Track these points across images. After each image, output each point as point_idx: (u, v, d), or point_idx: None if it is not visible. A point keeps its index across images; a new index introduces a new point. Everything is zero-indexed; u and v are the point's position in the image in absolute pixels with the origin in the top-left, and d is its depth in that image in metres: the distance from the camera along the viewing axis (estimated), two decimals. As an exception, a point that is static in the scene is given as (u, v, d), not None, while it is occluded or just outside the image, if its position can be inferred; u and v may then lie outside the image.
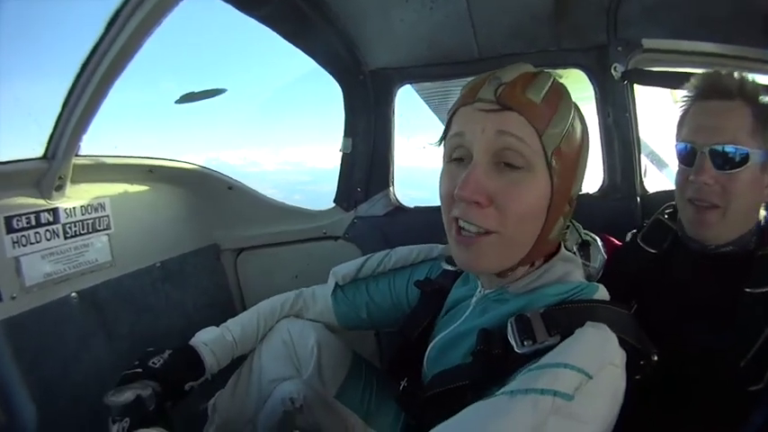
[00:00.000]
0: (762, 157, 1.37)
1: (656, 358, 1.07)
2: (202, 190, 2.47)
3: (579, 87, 2.22)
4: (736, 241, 1.44)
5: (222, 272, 2.62)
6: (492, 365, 1.07)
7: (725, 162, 1.36)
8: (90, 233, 1.84)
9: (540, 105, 1.06)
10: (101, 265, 1.88)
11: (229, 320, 1.78)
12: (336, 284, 1.80)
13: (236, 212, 2.59)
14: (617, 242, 1.62)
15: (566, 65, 2.28)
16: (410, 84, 2.61)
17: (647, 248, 1.60)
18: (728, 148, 1.36)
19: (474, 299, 1.30)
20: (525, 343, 1.01)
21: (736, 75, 1.42)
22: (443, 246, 1.69)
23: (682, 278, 1.51)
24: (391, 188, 2.58)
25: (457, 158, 1.12)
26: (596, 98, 2.30)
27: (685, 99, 1.51)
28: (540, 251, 1.18)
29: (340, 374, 1.72)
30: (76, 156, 1.71)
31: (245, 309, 1.87)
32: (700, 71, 1.57)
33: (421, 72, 2.48)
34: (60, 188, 1.71)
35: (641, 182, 2.28)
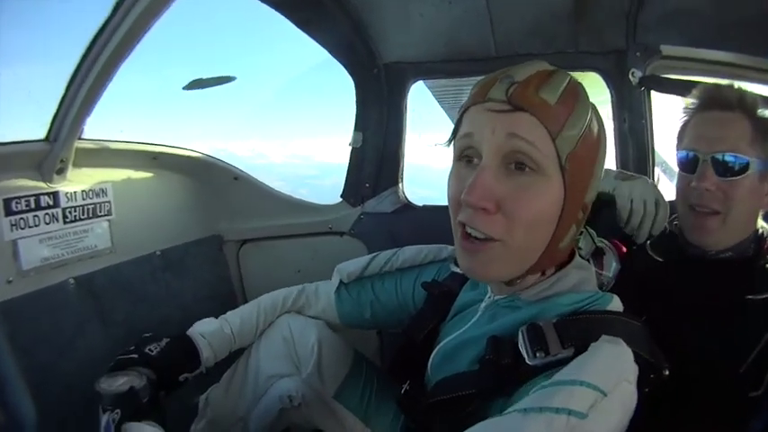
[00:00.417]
0: (761, 166, 1.42)
1: (667, 373, 1.04)
2: (207, 179, 2.44)
3: (594, 92, 2.19)
4: (734, 248, 1.47)
5: (224, 263, 2.59)
6: (501, 376, 1.03)
7: (726, 169, 1.41)
8: (90, 218, 1.81)
9: (555, 106, 1.01)
10: (100, 252, 1.85)
11: (229, 312, 1.76)
12: (341, 282, 1.77)
13: (240, 203, 2.56)
14: (624, 248, 1.60)
15: (583, 67, 2.25)
16: (424, 80, 2.59)
17: (654, 256, 1.61)
18: (729, 157, 1.41)
19: (483, 304, 1.26)
20: (538, 354, 0.98)
21: (736, 87, 1.49)
22: (452, 247, 1.66)
23: (681, 284, 1.51)
24: (400, 185, 2.55)
25: (466, 158, 1.07)
26: (613, 103, 2.27)
27: (686, 110, 1.57)
28: (551, 259, 1.13)
29: (340, 374, 1.70)
30: (79, 139, 1.68)
31: (245, 302, 1.85)
32: (716, 81, 1.61)
33: (436, 68, 2.45)
34: (62, 171, 1.68)
35: (654, 189, 2.24)
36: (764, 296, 1.38)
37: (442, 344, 1.32)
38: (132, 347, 1.47)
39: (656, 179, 2.26)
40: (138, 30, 1.44)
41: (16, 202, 1.56)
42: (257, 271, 2.66)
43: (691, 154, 1.46)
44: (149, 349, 1.47)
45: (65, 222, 1.71)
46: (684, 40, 2.05)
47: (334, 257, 1.87)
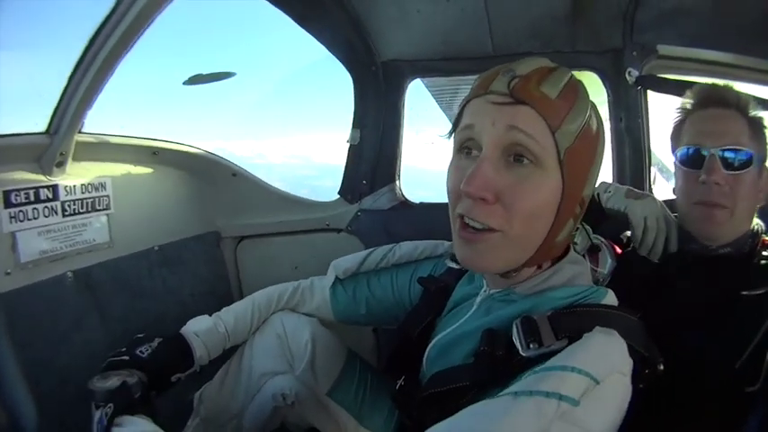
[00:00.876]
0: (758, 161, 1.45)
1: (662, 368, 1.05)
2: (206, 175, 2.44)
3: (592, 91, 2.20)
4: (734, 243, 1.48)
5: (221, 259, 2.59)
6: (495, 367, 1.04)
7: (732, 163, 1.42)
8: (89, 212, 1.81)
9: (555, 101, 1.02)
10: (98, 246, 1.85)
11: (223, 310, 1.76)
12: (336, 278, 1.77)
13: (238, 200, 2.56)
14: (619, 249, 1.61)
15: (580, 67, 2.26)
16: (421, 78, 2.59)
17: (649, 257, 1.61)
18: (736, 150, 1.42)
19: (478, 298, 1.27)
20: (531, 346, 0.98)
21: (731, 87, 1.52)
22: (449, 243, 1.67)
23: (678, 280, 1.52)
24: (397, 182, 2.56)
25: (466, 150, 1.08)
26: (609, 102, 2.28)
27: (681, 110, 1.58)
28: (548, 253, 1.14)
29: (334, 371, 1.70)
30: (80, 132, 1.68)
31: (242, 297, 1.85)
32: (713, 81, 1.63)
33: (433, 66, 2.45)
34: (61, 165, 1.68)
35: (650, 189, 2.26)
36: (760, 292, 1.38)
37: (437, 338, 1.32)
38: (124, 349, 1.48)
39: (652, 178, 2.28)
40: (141, 23, 1.44)
41: (16, 195, 1.56)
42: (254, 267, 2.66)
43: (695, 149, 1.46)
44: (140, 351, 1.47)
45: (64, 216, 1.71)
46: (681, 39, 2.05)
47: (332, 254, 1.88)
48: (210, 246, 2.51)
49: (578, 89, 1.08)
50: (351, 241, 2.55)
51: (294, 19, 2.09)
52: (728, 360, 1.34)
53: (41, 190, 1.64)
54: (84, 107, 1.58)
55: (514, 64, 1.06)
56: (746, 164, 1.42)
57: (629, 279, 1.49)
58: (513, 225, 1.02)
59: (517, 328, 1.03)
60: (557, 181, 1.03)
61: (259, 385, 1.69)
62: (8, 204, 1.54)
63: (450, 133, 1.16)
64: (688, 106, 1.55)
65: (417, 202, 2.58)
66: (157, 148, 2.12)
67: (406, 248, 1.75)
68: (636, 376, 0.96)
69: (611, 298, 1.11)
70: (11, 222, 1.55)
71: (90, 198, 1.81)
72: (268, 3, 1.94)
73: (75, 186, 1.75)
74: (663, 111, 2.13)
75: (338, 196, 2.62)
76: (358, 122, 2.53)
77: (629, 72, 2.16)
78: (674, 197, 1.61)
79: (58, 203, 1.69)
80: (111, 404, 1.23)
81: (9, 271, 1.55)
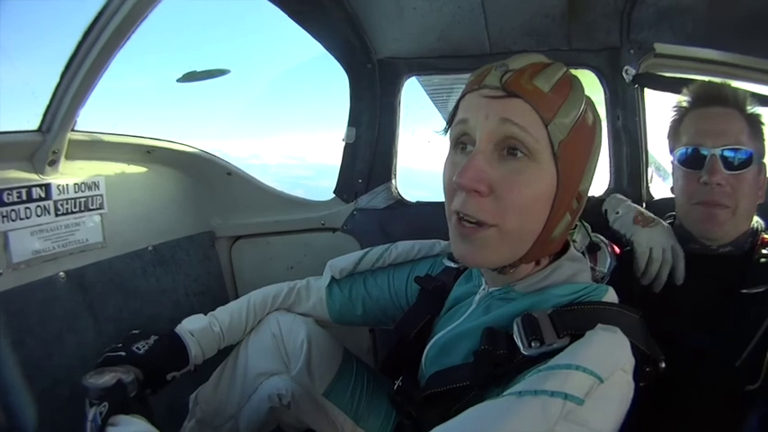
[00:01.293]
0: (758, 158, 1.47)
1: (663, 365, 1.05)
2: (200, 174, 2.43)
3: (589, 90, 2.20)
4: (734, 242, 1.49)
5: (216, 259, 2.58)
6: (496, 367, 1.03)
7: (733, 163, 1.43)
8: (82, 212, 1.79)
9: (548, 94, 1.02)
10: (91, 246, 1.83)
11: (218, 309, 1.75)
12: (332, 278, 1.77)
13: (233, 199, 2.55)
14: (618, 249, 1.61)
15: (576, 65, 2.26)
16: (417, 76, 2.59)
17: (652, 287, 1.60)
18: (737, 150, 1.43)
19: (477, 296, 1.27)
20: (533, 344, 0.98)
21: (729, 85, 1.54)
22: (446, 242, 1.67)
23: (678, 281, 1.52)
24: (393, 181, 2.55)
25: (461, 144, 1.08)
26: (606, 100, 2.29)
27: (678, 108, 1.59)
28: (545, 249, 1.14)
29: (330, 372, 1.70)
30: (72, 130, 1.66)
31: (237, 298, 1.84)
32: (709, 79, 1.64)
33: (429, 64, 2.45)
34: (54, 163, 1.66)
35: (647, 187, 2.27)
36: (759, 290, 1.39)
37: (436, 338, 1.32)
38: (120, 345, 1.48)
39: (649, 178, 2.28)
40: (134, 19, 1.43)
41: (8, 194, 1.53)
42: (250, 267, 2.65)
43: (696, 150, 1.46)
44: (137, 347, 1.47)
45: (56, 215, 1.69)
46: (678, 38, 2.05)
47: (327, 253, 1.88)
48: (205, 245, 2.49)
49: (573, 83, 1.08)
50: (346, 241, 2.54)
51: (290, 16, 2.09)
52: (729, 358, 1.35)
53: (34, 189, 1.61)
54: (77, 104, 1.56)
55: (509, 59, 1.07)
56: (747, 163, 1.42)
57: (629, 279, 1.49)
58: (507, 219, 1.02)
59: (518, 326, 1.03)
60: (551, 174, 1.04)
61: (255, 386, 1.68)
62: (0, 203, 1.52)
63: (446, 129, 1.16)
64: (685, 104, 1.56)
65: (414, 200, 2.57)
66: (152, 146, 2.11)
67: (402, 248, 1.74)
68: (637, 374, 0.95)
69: (611, 295, 1.11)
70: (2, 222, 1.53)
71: (83, 197, 1.79)
72: (266, 1, 1.94)
73: (68, 185, 1.73)
74: (660, 109, 2.14)
75: (334, 195, 2.61)
76: (354, 121, 2.52)
77: (626, 70, 2.17)
78: (671, 196, 1.61)
79: (50, 203, 1.67)
80: (105, 403, 1.22)
81: (1, 271, 1.53)
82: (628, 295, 1.16)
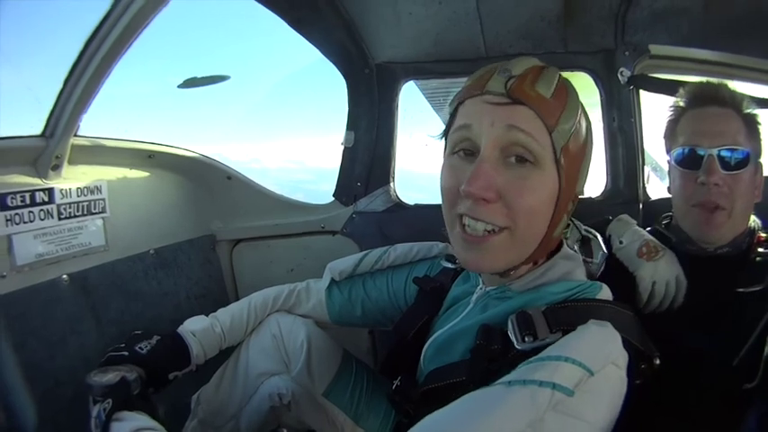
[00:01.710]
0: (754, 158, 1.48)
1: (658, 362, 1.06)
2: (201, 179, 2.44)
3: (585, 93, 2.21)
4: (732, 242, 1.49)
5: (217, 263, 2.59)
6: (491, 361, 1.05)
7: (730, 163, 1.43)
8: (85, 215, 1.81)
9: (550, 101, 1.04)
10: (94, 249, 1.85)
11: (220, 310, 1.77)
12: (332, 280, 1.78)
13: (234, 203, 2.56)
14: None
15: (572, 67, 2.28)
16: (415, 80, 2.60)
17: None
18: (734, 150, 1.43)
19: (474, 296, 1.28)
20: (526, 339, 0.99)
21: (726, 85, 1.53)
22: (444, 244, 1.68)
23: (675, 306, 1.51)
24: (392, 184, 2.56)
25: (462, 150, 1.09)
26: (602, 102, 2.30)
27: (675, 108, 1.58)
28: (545, 249, 1.16)
29: (329, 372, 1.71)
30: (75, 135, 1.68)
31: (237, 301, 1.85)
32: (705, 79, 1.62)
33: (426, 68, 2.46)
34: (57, 168, 1.68)
35: (644, 188, 2.28)
36: (756, 288, 1.40)
37: (434, 337, 1.33)
38: (123, 344, 1.49)
39: (646, 178, 2.29)
40: (136, 27, 1.45)
41: (11, 198, 1.56)
42: (250, 270, 2.66)
43: (693, 150, 1.47)
44: (140, 347, 1.49)
45: (59, 219, 1.71)
46: (673, 39, 2.07)
47: (327, 257, 1.89)
48: (206, 249, 2.51)
49: (568, 89, 1.10)
50: (346, 243, 2.54)
51: (288, 23, 2.10)
52: (726, 357, 1.36)
53: (37, 193, 1.64)
54: (80, 110, 1.59)
55: (508, 64, 1.08)
56: (744, 163, 1.43)
57: (626, 279, 1.50)
58: (517, 222, 1.04)
59: (512, 322, 1.04)
60: (553, 179, 1.05)
61: (255, 386, 1.70)
62: (4, 207, 1.54)
63: (443, 134, 1.17)
64: (682, 104, 1.56)
65: (412, 203, 2.57)
66: (153, 151, 2.12)
67: (401, 250, 1.75)
68: (632, 371, 0.97)
69: (605, 293, 1.12)
70: (6, 225, 1.55)
71: (86, 201, 1.81)
72: (262, 7, 1.96)
73: (70, 189, 1.75)
74: (656, 110, 2.15)
75: (333, 199, 2.62)
76: (352, 125, 2.54)
77: (622, 72, 2.18)
78: (668, 196, 1.61)
79: (53, 206, 1.69)
80: (109, 399, 1.23)
81: (4, 274, 1.54)
82: (625, 294, 1.17)
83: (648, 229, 1.69)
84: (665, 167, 1.63)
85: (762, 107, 1.56)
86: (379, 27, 2.26)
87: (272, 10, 2.00)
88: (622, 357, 0.96)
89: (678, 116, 1.56)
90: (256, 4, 1.92)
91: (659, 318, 1.45)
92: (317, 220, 2.59)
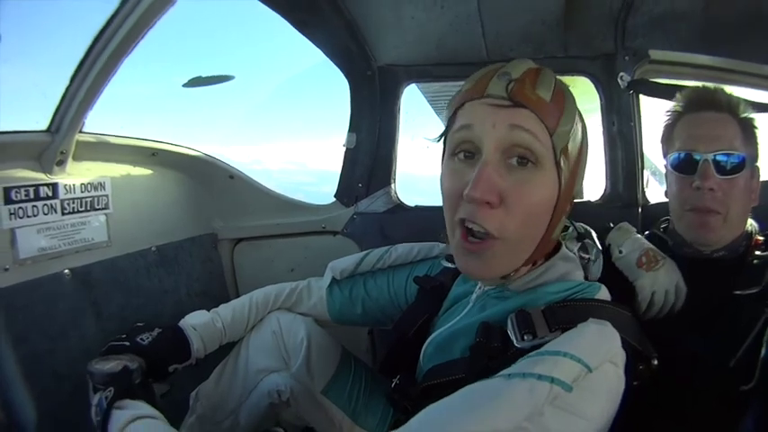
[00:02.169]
0: (751, 162, 1.48)
1: (656, 362, 1.07)
2: (204, 177, 2.46)
3: (586, 99, 2.23)
4: (728, 246, 1.50)
5: (218, 261, 2.60)
6: (490, 359, 1.05)
7: (726, 168, 1.43)
8: (88, 211, 1.82)
9: (550, 104, 1.05)
10: (96, 245, 1.86)
11: (221, 306, 1.78)
12: (333, 279, 1.79)
13: (235, 202, 2.58)
14: None
15: (572, 72, 2.30)
16: (416, 83, 2.62)
17: None
18: (729, 155, 1.43)
19: (474, 295, 1.29)
20: (525, 337, 1.00)
21: (723, 90, 1.53)
22: (444, 245, 1.69)
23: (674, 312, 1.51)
24: (393, 185, 2.57)
25: (463, 152, 1.09)
26: (602, 106, 2.31)
27: (671, 113, 1.59)
28: (542, 251, 1.17)
29: (328, 370, 1.72)
30: (80, 132, 1.70)
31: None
32: (703, 84, 1.63)
33: (428, 71, 2.48)
34: (62, 163, 1.70)
35: (643, 192, 2.29)
36: (753, 291, 1.40)
37: (433, 336, 1.34)
38: (124, 335, 1.50)
39: (645, 182, 2.31)
40: (143, 26, 1.47)
41: (16, 192, 1.57)
42: (251, 269, 2.67)
43: (688, 155, 1.47)
44: (141, 339, 1.50)
45: (63, 214, 1.72)
46: (673, 44, 2.09)
47: (328, 256, 1.90)
48: (207, 247, 2.52)
49: (565, 91, 1.11)
50: (346, 244, 2.55)
51: (293, 24, 2.12)
52: (723, 359, 1.36)
53: (41, 188, 1.65)
54: (86, 106, 1.60)
55: (507, 66, 1.08)
56: (739, 167, 1.43)
57: (626, 287, 1.50)
58: (512, 229, 1.04)
59: (512, 320, 1.05)
60: (553, 181, 1.06)
61: (255, 382, 1.71)
62: (8, 201, 1.55)
63: (441, 136, 1.18)
64: (678, 109, 1.56)
65: (413, 205, 2.59)
66: (156, 149, 2.14)
67: (402, 250, 1.76)
68: (629, 371, 0.98)
69: (604, 293, 1.12)
70: (10, 219, 1.56)
71: (89, 197, 1.82)
72: (268, 8, 1.97)
73: (74, 185, 1.76)
74: (656, 115, 2.16)
75: (334, 199, 2.63)
76: (354, 126, 2.55)
77: (622, 77, 2.19)
78: (666, 200, 1.62)
79: (57, 201, 1.70)
80: (111, 388, 1.25)
81: (7, 267, 1.55)
82: (623, 297, 1.18)
83: (647, 232, 1.70)
84: (664, 171, 1.64)
85: (759, 111, 1.57)
86: (382, 30, 2.28)
87: (277, 11, 2.01)
88: (620, 356, 0.97)
89: (675, 121, 1.57)
90: (261, 5, 1.94)
91: (656, 321, 1.46)
92: (319, 221, 2.60)
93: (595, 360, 0.90)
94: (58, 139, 1.63)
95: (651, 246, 1.55)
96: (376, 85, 2.49)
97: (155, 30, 1.52)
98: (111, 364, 1.33)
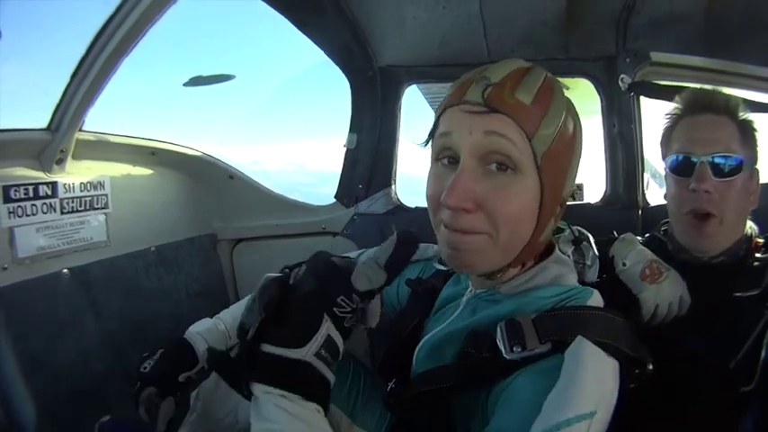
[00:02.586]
0: (749, 164, 1.47)
1: (651, 367, 1.06)
2: (203, 177, 2.46)
3: (587, 101, 2.23)
4: (727, 251, 1.49)
5: (217, 261, 2.60)
6: (479, 369, 1.04)
7: (722, 170, 1.42)
8: (87, 210, 1.82)
9: (530, 107, 1.02)
10: (95, 244, 1.86)
11: (222, 311, 1.77)
12: None
13: (235, 202, 2.58)
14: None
15: (573, 73, 2.30)
16: (417, 84, 2.62)
17: None
18: (726, 157, 1.42)
19: (464, 298, 1.27)
20: (515, 349, 0.98)
21: (721, 92, 1.53)
22: (437, 246, 1.68)
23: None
24: (393, 186, 2.57)
25: (444, 159, 1.09)
26: (602, 108, 2.32)
27: (671, 115, 1.57)
28: (531, 253, 1.15)
29: None
30: (80, 130, 1.70)
31: (237, 299, 1.87)
32: (704, 86, 1.63)
33: (429, 72, 2.49)
34: (61, 162, 1.70)
35: (643, 194, 2.29)
36: (753, 293, 1.39)
37: (425, 339, 1.32)
38: (136, 374, 1.50)
39: (645, 184, 2.31)
40: (143, 24, 1.48)
41: (15, 190, 1.57)
42: (250, 270, 2.67)
43: (686, 157, 1.46)
44: (144, 367, 1.49)
45: (62, 213, 1.72)
46: (673, 46, 2.09)
47: (327, 257, 1.89)
48: (207, 247, 2.52)
49: (553, 89, 1.08)
50: (346, 245, 2.54)
51: (294, 23, 2.12)
52: (723, 360, 1.35)
53: (41, 186, 1.65)
54: (86, 105, 1.60)
55: (489, 70, 1.07)
56: (736, 170, 1.42)
57: (629, 299, 1.49)
58: (499, 230, 1.03)
59: (501, 330, 1.02)
60: (535, 185, 1.04)
61: None
62: (7, 199, 1.56)
63: (427, 141, 1.18)
64: (677, 111, 1.55)
65: (413, 206, 2.59)
66: (156, 148, 2.14)
67: None
68: (625, 376, 0.97)
69: (596, 298, 1.10)
70: (9, 218, 1.56)
71: (89, 196, 1.82)
72: (269, 7, 1.97)
73: (74, 184, 1.76)
74: (656, 117, 2.16)
75: (334, 200, 2.63)
76: (355, 127, 2.55)
77: (623, 78, 2.19)
78: (665, 203, 1.62)
79: (56, 200, 1.70)
80: None
81: (6, 266, 1.55)
82: (621, 301, 1.17)
83: (647, 235, 1.70)
84: (664, 174, 1.63)
85: (757, 111, 1.58)
86: (384, 30, 2.28)
87: (279, 10, 2.01)
88: (614, 372, 0.96)
89: (674, 123, 1.56)
90: (263, 4, 1.94)
91: (659, 324, 1.46)
92: (318, 221, 2.61)
93: (594, 401, 0.89)
94: (58, 137, 1.63)
95: (655, 257, 1.53)
96: (377, 86, 2.49)
97: (155, 29, 1.53)
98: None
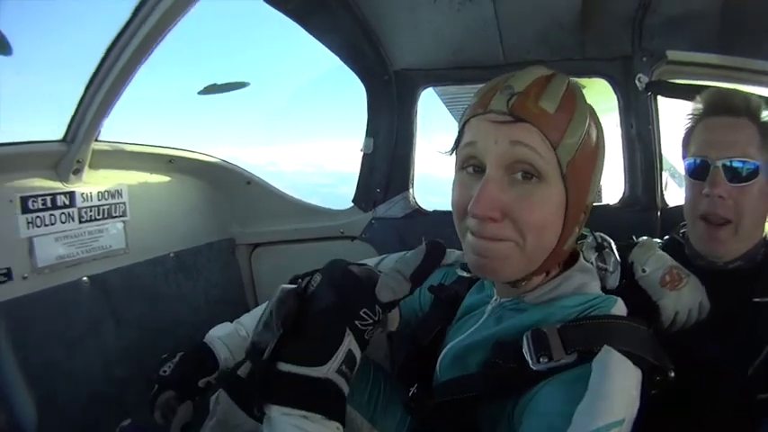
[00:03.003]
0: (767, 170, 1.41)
1: (672, 375, 1.05)
2: (221, 183, 2.48)
3: (603, 99, 2.21)
4: (744, 256, 1.46)
5: (236, 266, 2.62)
6: (505, 380, 1.04)
7: (737, 175, 1.39)
8: (105, 219, 1.84)
9: (554, 115, 1.02)
10: (114, 252, 1.88)
11: (243, 316, 1.78)
12: None
13: (253, 207, 2.59)
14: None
15: (590, 74, 2.27)
16: (433, 87, 2.62)
17: None
18: (740, 162, 1.38)
19: (489, 306, 1.27)
20: (541, 360, 0.99)
21: (741, 92, 1.49)
22: (460, 252, 1.67)
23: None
24: (411, 190, 2.57)
25: (469, 167, 1.08)
26: (620, 109, 2.29)
27: (691, 116, 1.54)
28: (555, 261, 1.15)
29: None
30: (96, 140, 1.72)
31: (257, 305, 1.87)
32: (722, 85, 1.59)
33: (445, 75, 2.48)
34: (78, 172, 1.72)
35: (662, 195, 2.27)
36: None
37: (449, 346, 1.32)
38: (154, 376, 1.51)
39: (664, 184, 2.28)
40: (157, 34, 1.49)
41: (33, 201, 1.59)
42: (269, 274, 2.68)
43: (701, 160, 1.43)
44: (163, 371, 1.50)
45: (80, 222, 1.74)
46: (690, 44, 2.06)
47: (345, 262, 1.89)
48: (225, 253, 2.54)
49: (576, 97, 1.08)
50: (365, 249, 2.56)
51: (308, 30, 2.13)
52: (741, 366, 1.34)
53: (58, 196, 1.67)
54: (101, 115, 1.62)
55: (512, 79, 1.06)
56: (752, 175, 1.39)
57: (649, 305, 1.47)
58: (526, 238, 1.03)
59: (527, 340, 1.03)
60: (560, 194, 1.04)
61: None
62: (25, 210, 1.58)
63: (453, 150, 1.17)
64: (697, 112, 1.52)
65: (431, 209, 2.58)
66: (173, 156, 2.16)
67: None
68: (647, 383, 0.97)
69: (619, 307, 1.10)
70: (28, 228, 1.59)
71: (106, 205, 1.84)
72: (283, 15, 1.98)
73: (91, 193, 1.79)
74: (675, 114, 2.13)
75: (352, 204, 2.64)
76: (371, 131, 2.56)
77: (639, 78, 2.17)
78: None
79: (74, 210, 1.72)
80: None
81: (26, 275, 1.57)
82: (641, 307, 1.16)
83: (666, 237, 1.68)
84: (683, 173, 1.61)
85: None
86: (398, 34, 2.28)
87: (292, 18, 2.03)
88: (637, 381, 0.96)
89: (694, 124, 1.53)
90: (277, 12, 1.95)
91: (677, 330, 1.44)
92: (337, 226, 2.61)
93: (623, 410, 0.89)
94: (74, 148, 1.65)
95: (675, 263, 1.50)
96: (393, 90, 2.49)
97: (170, 37, 1.54)
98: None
